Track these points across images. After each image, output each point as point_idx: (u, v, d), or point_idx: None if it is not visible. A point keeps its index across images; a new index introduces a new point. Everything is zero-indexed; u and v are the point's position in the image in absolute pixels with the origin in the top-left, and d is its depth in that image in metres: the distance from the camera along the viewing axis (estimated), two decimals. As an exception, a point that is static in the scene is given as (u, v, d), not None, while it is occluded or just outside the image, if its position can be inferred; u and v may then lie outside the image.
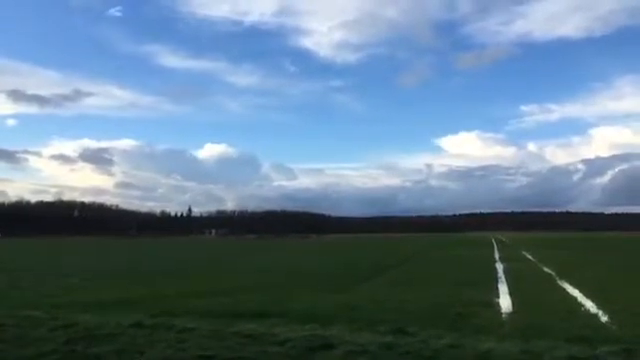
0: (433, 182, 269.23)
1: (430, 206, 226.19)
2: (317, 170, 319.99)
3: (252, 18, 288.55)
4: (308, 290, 11.66)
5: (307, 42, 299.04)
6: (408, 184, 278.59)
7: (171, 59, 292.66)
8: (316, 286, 12.47)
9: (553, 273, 15.63)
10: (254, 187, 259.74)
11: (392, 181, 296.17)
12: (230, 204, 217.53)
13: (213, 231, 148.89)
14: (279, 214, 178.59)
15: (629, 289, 11.53)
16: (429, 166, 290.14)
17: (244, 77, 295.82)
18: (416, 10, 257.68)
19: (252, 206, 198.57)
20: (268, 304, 9.40)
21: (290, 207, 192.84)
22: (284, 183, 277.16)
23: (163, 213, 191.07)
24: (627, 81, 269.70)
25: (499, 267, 18.66)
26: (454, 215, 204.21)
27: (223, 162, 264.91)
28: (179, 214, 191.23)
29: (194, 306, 9.21)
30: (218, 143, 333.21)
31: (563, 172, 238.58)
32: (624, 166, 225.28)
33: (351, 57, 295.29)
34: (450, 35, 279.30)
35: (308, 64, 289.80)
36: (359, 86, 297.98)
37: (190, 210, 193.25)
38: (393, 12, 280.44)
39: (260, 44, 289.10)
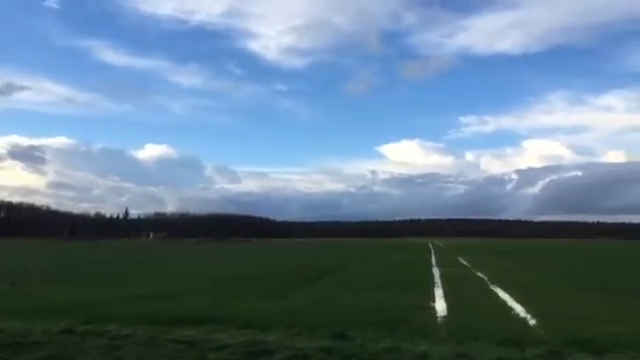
0: (376, 188, 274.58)
1: (372, 212, 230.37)
2: (261, 174, 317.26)
3: (199, 18, 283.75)
4: (248, 295, 11.57)
5: (254, 45, 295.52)
6: (351, 189, 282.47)
7: (112, 55, 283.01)
8: (257, 291, 12.38)
9: (486, 278, 16.30)
10: (196, 190, 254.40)
11: (336, 186, 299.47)
12: (170, 207, 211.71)
13: (151, 234, 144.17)
14: (221, 217, 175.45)
15: (555, 294, 12.20)
16: (372, 172, 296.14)
17: (188, 77, 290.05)
18: (364, 19, 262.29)
19: (193, 209, 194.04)
20: (207, 310, 9.24)
21: (233, 210, 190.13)
22: (227, 186, 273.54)
23: (98, 215, 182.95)
24: (558, 96, 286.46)
25: (436, 272, 19.24)
26: (395, 221, 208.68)
27: (164, 163, 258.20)
28: (115, 216, 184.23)
29: (129, 312, 8.91)
30: (159, 144, 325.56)
31: (498, 181, 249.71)
32: (554, 177, 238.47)
33: (298, 62, 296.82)
34: (396, 45, 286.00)
35: (255, 67, 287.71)
36: (305, 91, 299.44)
37: (127, 212, 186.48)
38: (341, 19, 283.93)
39: (206, 45, 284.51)
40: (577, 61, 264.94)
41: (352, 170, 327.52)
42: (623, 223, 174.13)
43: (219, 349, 6.13)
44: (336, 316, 8.64)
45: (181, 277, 17.06)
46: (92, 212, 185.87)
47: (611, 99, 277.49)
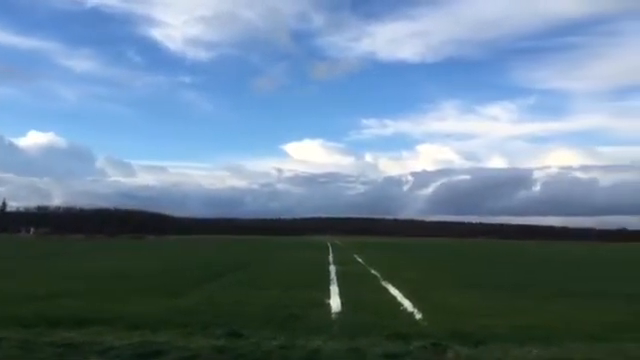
0: (279, 186, 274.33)
1: (275, 209, 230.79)
2: (159, 168, 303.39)
3: (96, 0, 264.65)
4: (140, 295, 11.05)
5: (157, 33, 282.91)
6: (254, 187, 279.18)
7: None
8: (150, 290, 11.89)
9: (378, 275, 17.01)
10: (86, 182, 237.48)
11: (238, 183, 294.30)
12: (57, 200, 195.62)
13: (32, 229, 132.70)
14: (113, 212, 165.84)
15: (441, 289, 13.03)
16: (275, 170, 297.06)
17: (81, 62, 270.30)
18: (273, 16, 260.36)
19: (82, 203, 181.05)
20: (93, 311, 8.68)
21: (128, 205, 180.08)
22: (122, 180, 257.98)
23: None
24: (451, 105, 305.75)
25: (332, 269, 19.72)
26: (296, 219, 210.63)
27: (50, 153, 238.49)
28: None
29: (2, 314, 8.13)
30: (45, 132, 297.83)
31: (395, 182, 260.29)
32: (445, 180, 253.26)
33: (204, 54, 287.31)
34: (305, 45, 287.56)
35: (156, 57, 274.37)
36: (210, 85, 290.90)
37: (4, 204, 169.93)
38: (250, 14, 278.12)
39: (103, 29, 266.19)
40: (468, 73, 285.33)
41: (255, 167, 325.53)
42: (501, 224, 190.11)
43: (103, 352, 5.80)
44: (233, 315, 8.55)
45: (64, 276, 15.87)
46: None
47: (496, 109, 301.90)
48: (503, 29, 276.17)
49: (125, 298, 10.41)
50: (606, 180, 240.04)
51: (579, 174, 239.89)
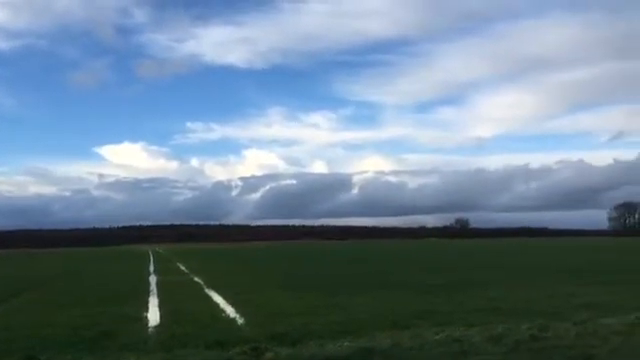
0: (95, 192, 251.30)
1: (91, 218, 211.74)
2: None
3: None
4: None
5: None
6: (66, 194, 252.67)
7: None
8: None
9: (202, 283, 16.65)
10: None
11: (45, 190, 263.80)
12: None
13: None
14: None
15: (264, 292, 13.24)
16: (91, 175, 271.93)
17: None
18: (93, 8, 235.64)
19: None
20: None
21: None
22: None
23: None
24: (276, 112, 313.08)
25: (152, 280, 18.74)
26: (114, 228, 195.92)
27: None
28: None
29: None
30: None
31: (224, 188, 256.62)
32: (272, 184, 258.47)
33: (5, 44, 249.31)
34: (126, 42, 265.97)
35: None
36: (12, 79, 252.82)
37: None
38: (67, 3, 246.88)
39: None
40: (293, 81, 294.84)
41: (66, 172, 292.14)
42: (323, 226, 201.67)
43: None
44: (32, 338, 7.55)
45: None
46: None
47: (318, 118, 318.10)
48: (325, 42, 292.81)
49: None
50: (412, 184, 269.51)
51: (391, 178, 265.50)
